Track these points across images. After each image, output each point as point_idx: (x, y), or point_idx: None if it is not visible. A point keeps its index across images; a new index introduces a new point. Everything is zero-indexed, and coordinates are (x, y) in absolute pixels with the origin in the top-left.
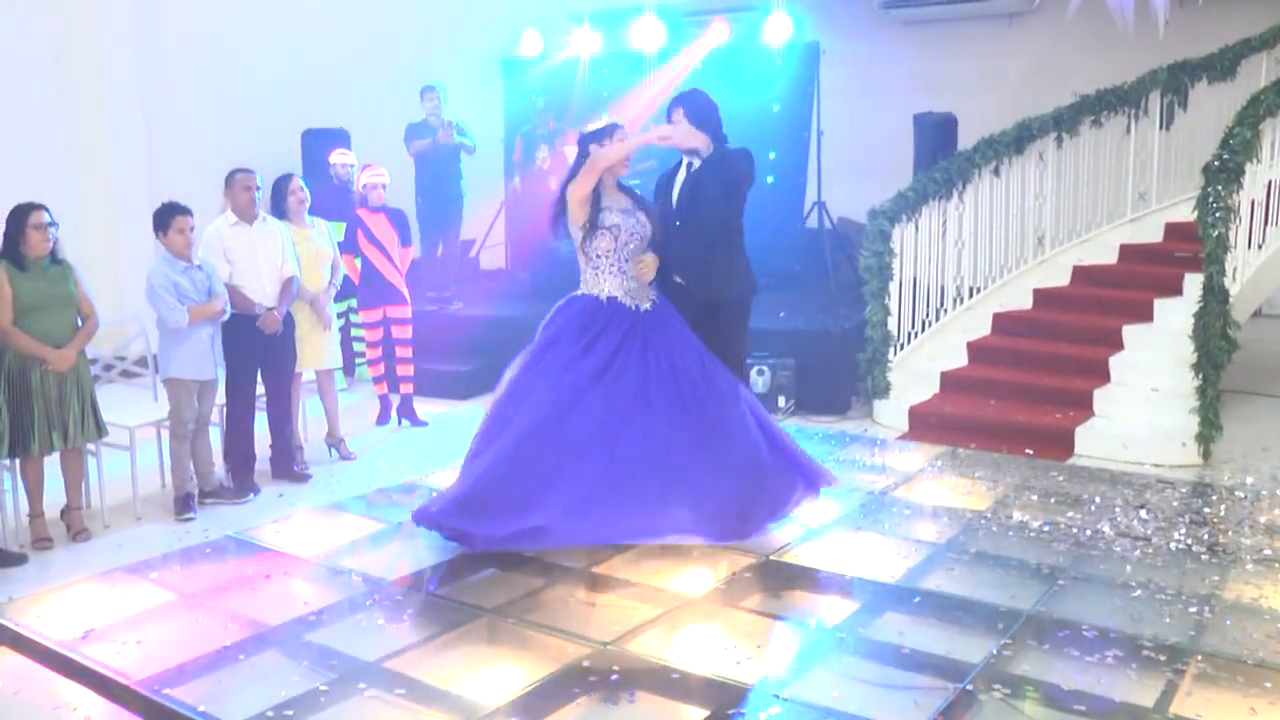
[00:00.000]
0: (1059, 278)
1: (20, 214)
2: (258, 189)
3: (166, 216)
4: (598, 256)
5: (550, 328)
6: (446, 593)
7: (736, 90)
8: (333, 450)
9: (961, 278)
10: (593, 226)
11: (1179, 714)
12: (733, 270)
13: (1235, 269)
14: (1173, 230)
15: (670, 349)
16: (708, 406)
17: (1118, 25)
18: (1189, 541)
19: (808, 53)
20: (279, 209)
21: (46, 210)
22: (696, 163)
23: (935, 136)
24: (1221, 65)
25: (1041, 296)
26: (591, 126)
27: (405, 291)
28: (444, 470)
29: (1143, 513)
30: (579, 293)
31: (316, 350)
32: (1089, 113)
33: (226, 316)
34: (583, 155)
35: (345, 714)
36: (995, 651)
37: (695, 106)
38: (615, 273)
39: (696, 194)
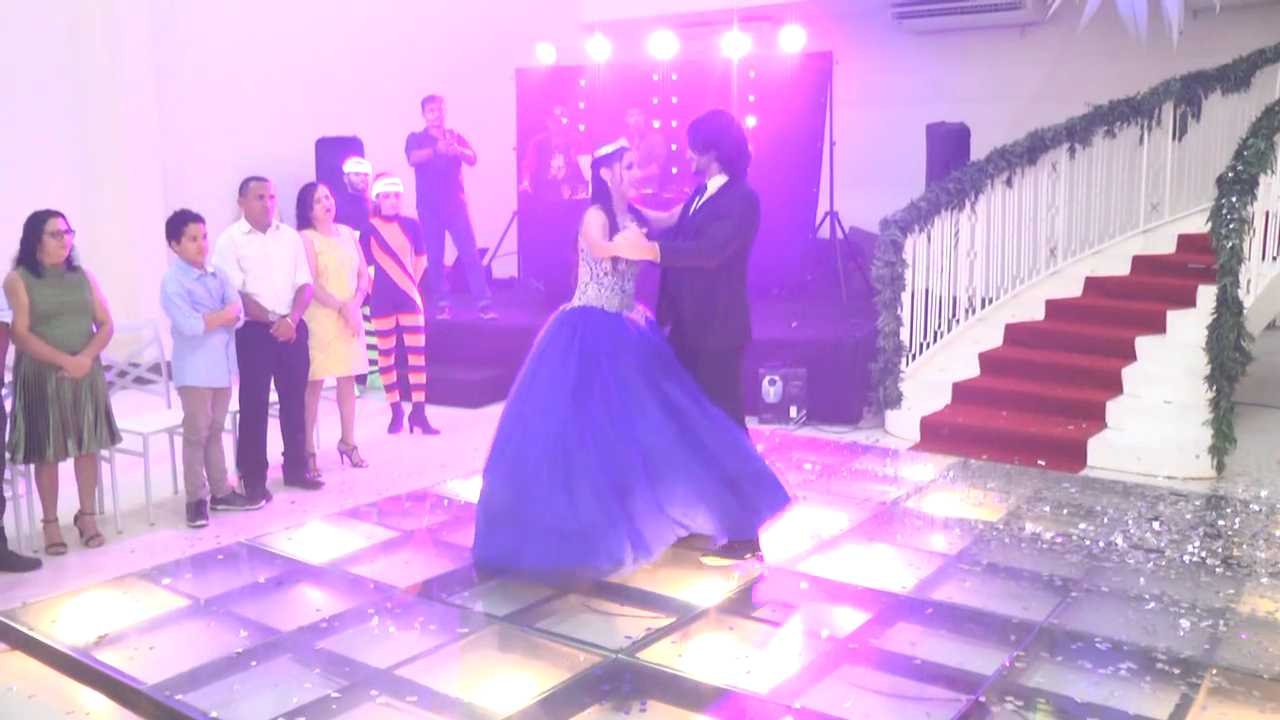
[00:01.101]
0: (1071, 289)
1: (37, 221)
2: (271, 197)
3: (179, 224)
4: (604, 275)
5: (558, 341)
6: (458, 600)
7: (750, 99)
8: (345, 457)
9: (974, 288)
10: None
11: None
12: (723, 318)
13: (1249, 281)
14: (1186, 242)
15: (667, 376)
16: (700, 428)
17: (1131, 36)
18: (1203, 554)
19: (821, 63)
20: (305, 217)
21: (63, 217)
22: (710, 190)
23: (948, 146)
24: (1235, 76)
25: (1054, 307)
26: (602, 150)
27: (418, 299)
28: (456, 478)
29: (1156, 525)
30: (580, 304)
31: (343, 356)
32: (1102, 123)
33: (241, 323)
34: (596, 180)
35: None
36: (1008, 663)
37: (699, 134)
38: (616, 289)
39: (702, 228)
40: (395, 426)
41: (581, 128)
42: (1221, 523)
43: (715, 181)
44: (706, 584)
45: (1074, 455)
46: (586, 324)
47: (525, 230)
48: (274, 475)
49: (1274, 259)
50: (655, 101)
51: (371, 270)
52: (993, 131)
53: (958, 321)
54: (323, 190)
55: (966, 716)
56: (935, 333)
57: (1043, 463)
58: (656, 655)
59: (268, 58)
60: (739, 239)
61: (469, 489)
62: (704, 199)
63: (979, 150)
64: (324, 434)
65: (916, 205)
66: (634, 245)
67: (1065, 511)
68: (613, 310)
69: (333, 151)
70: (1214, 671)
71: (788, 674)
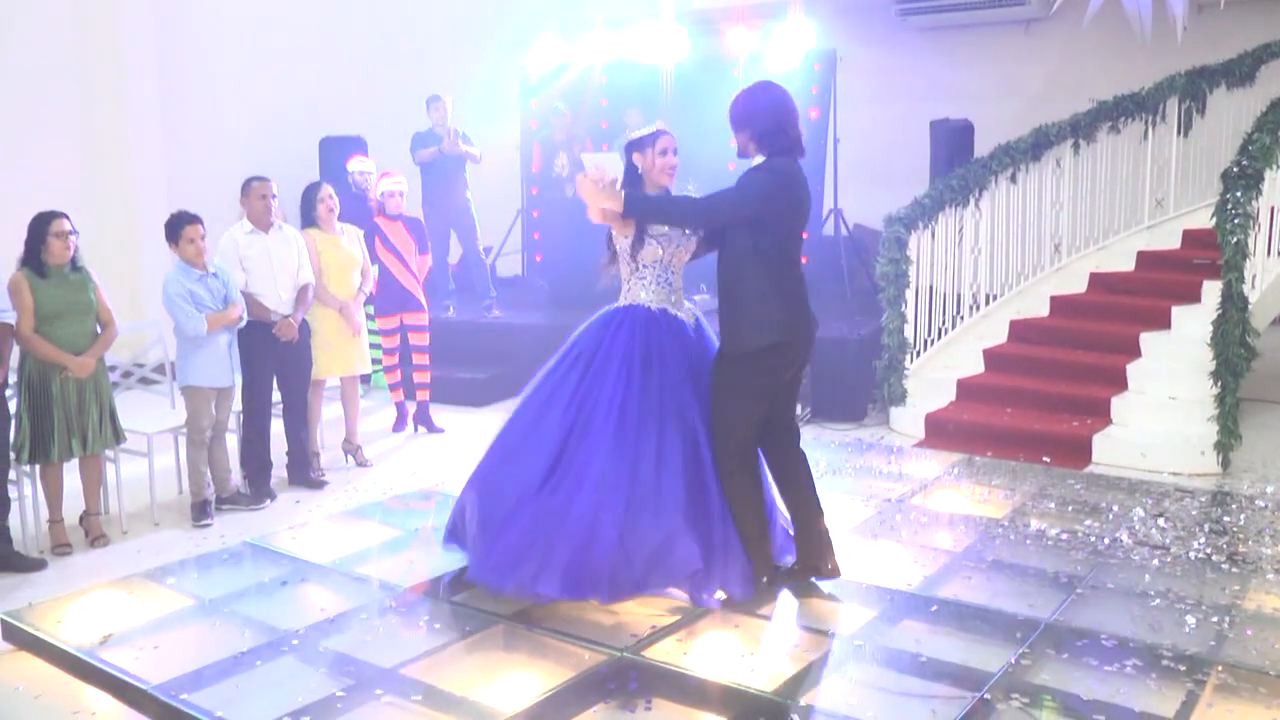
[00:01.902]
0: (1076, 285)
1: (42, 221)
2: (274, 197)
3: (176, 227)
4: (644, 266)
5: (593, 339)
6: (463, 599)
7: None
8: (349, 457)
9: (978, 285)
10: (640, 235)
11: None
12: (740, 317)
13: (1254, 276)
14: (1191, 237)
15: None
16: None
17: (1135, 31)
18: (1208, 550)
19: (825, 59)
20: (309, 216)
21: (67, 218)
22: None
23: (952, 143)
24: (1240, 71)
25: (1059, 304)
26: (636, 134)
27: (422, 299)
28: (460, 477)
29: (1161, 521)
30: (624, 304)
31: (345, 356)
32: (1106, 119)
33: (243, 323)
34: (628, 165)
35: None
36: (1013, 660)
37: (733, 112)
38: (662, 283)
39: None
40: (399, 425)
41: (584, 126)
42: (1227, 519)
43: (754, 163)
44: None
45: (1079, 452)
46: (629, 324)
47: (529, 229)
48: (278, 475)
49: (1279, 254)
50: (658, 100)
51: (375, 269)
52: (997, 128)
53: (962, 318)
54: (326, 189)
55: (972, 714)
56: (939, 330)
57: (1048, 459)
58: (662, 653)
59: (271, 57)
60: (737, 210)
61: None
62: None
63: (983, 147)
64: (328, 433)
65: (920, 202)
66: (595, 188)
67: (1070, 508)
68: (658, 307)
69: (337, 151)
70: (1220, 668)
71: (793, 671)
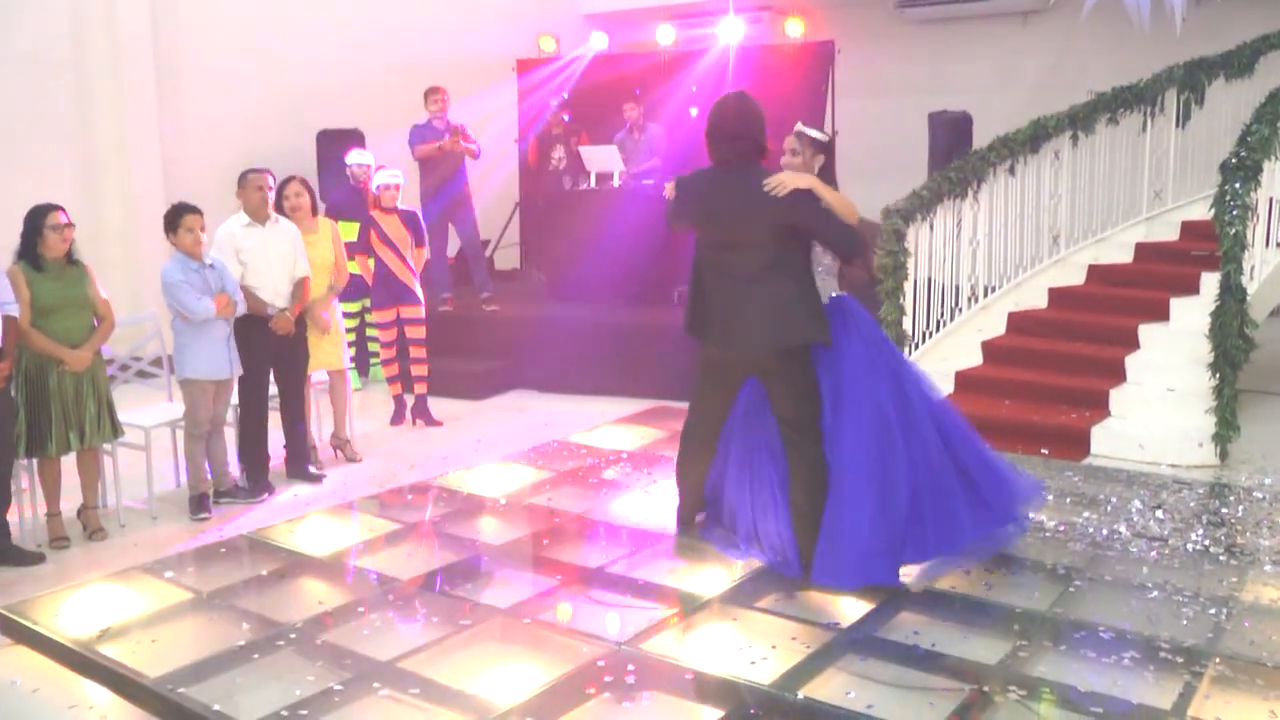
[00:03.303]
0: (1074, 277)
1: (38, 215)
2: (271, 189)
3: (176, 217)
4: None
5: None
6: (460, 592)
7: (751, 89)
8: (337, 451)
9: (976, 277)
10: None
11: (1197, 717)
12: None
13: (1253, 267)
14: (1189, 229)
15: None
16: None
17: (1133, 23)
18: (1206, 542)
19: (822, 51)
20: (281, 213)
21: (64, 211)
22: None
23: (950, 135)
24: (1239, 62)
25: (1057, 296)
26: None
27: (419, 292)
28: (459, 470)
29: (1159, 513)
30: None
31: (316, 353)
32: (1105, 111)
33: (241, 311)
34: None
35: (359, 714)
36: (1011, 652)
37: None
38: (835, 274)
39: None
40: (398, 419)
41: (581, 119)
42: (1225, 510)
43: None
44: (710, 575)
45: (1077, 444)
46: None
47: (527, 222)
48: (276, 468)
49: (1278, 245)
50: (655, 93)
51: (372, 262)
52: (995, 120)
53: (960, 310)
54: (293, 186)
55: (969, 706)
56: (938, 322)
57: (1046, 451)
58: (660, 646)
59: (269, 50)
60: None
61: (472, 481)
62: None
63: (981, 139)
64: (325, 428)
65: (919, 194)
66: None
67: (1068, 500)
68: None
69: (335, 144)
70: (1217, 660)
71: (790, 664)
